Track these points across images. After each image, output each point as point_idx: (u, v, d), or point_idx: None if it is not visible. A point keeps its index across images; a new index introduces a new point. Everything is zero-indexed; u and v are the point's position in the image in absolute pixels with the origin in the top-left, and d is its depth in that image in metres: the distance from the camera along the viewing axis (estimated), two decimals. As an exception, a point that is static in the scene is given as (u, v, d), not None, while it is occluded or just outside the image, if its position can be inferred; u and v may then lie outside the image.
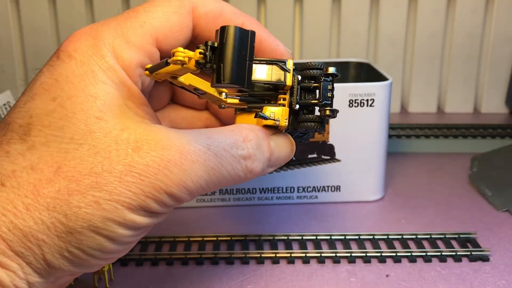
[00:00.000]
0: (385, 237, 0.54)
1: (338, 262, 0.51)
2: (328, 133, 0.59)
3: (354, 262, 0.51)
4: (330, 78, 0.39)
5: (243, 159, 0.37)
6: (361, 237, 0.54)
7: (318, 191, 0.61)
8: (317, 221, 0.59)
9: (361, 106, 0.58)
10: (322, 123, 0.39)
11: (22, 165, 0.33)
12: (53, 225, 0.32)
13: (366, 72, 0.69)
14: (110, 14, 0.90)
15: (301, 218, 0.59)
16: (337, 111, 0.39)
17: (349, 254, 0.51)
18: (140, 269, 0.50)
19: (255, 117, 0.40)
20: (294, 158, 0.60)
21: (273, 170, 0.41)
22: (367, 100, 0.58)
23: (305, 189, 0.61)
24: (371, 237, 0.54)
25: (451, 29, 0.91)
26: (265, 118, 0.39)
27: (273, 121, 0.39)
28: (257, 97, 0.41)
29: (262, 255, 0.51)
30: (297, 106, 0.39)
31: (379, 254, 0.51)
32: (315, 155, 0.60)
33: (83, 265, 0.34)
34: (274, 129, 0.40)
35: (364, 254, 0.51)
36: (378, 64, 0.91)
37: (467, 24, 0.90)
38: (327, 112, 0.38)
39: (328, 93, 0.39)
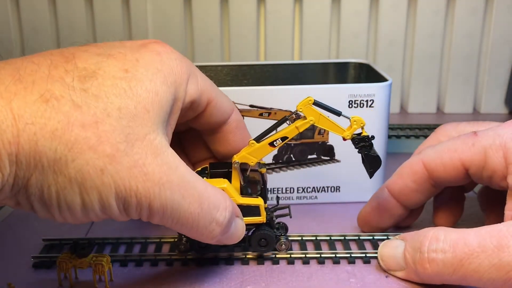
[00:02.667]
0: (385, 237, 0.54)
1: (338, 262, 0.51)
2: (327, 133, 0.59)
3: (354, 262, 0.51)
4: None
5: (215, 223, 0.41)
6: (360, 237, 0.54)
7: (318, 191, 0.62)
8: (317, 221, 0.59)
9: (360, 106, 0.58)
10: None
11: (70, 97, 0.35)
12: (60, 160, 0.34)
13: (366, 73, 0.69)
14: (110, 14, 0.90)
15: (300, 219, 0.59)
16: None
17: (348, 255, 0.51)
18: (140, 269, 0.50)
19: None
20: (294, 158, 0.60)
21: (216, 244, 0.45)
22: (367, 100, 0.58)
23: (305, 190, 0.61)
24: (371, 237, 0.54)
25: (450, 30, 0.91)
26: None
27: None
28: None
29: (262, 255, 0.51)
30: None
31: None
32: (314, 156, 0.60)
33: (45, 206, 0.36)
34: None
35: (363, 255, 0.51)
36: (377, 65, 0.92)
37: (466, 25, 0.90)
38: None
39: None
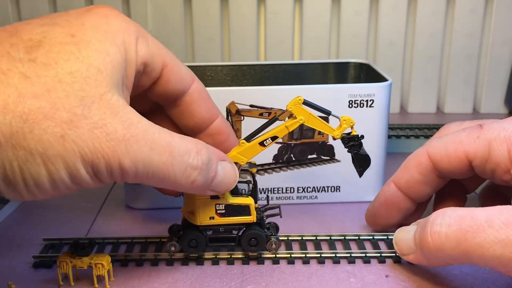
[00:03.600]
0: (385, 237, 0.54)
1: (338, 262, 0.51)
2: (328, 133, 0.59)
3: (354, 262, 0.51)
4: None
5: (190, 168, 0.40)
6: (360, 237, 0.54)
7: (318, 191, 0.62)
8: (317, 221, 0.59)
9: (360, 106, 0.58)
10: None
11: (18, 70, 0.34)
12: (16, 133, 0.34)
13: (366, 73, 0.69)
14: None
15: (300, 219, 0.59)
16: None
17: (348, 255, 0.51)
18: (140, 269, 0.50)
19: None
20: (294, 158, 0.60)
21: (212, 193, 0.45)
22: (367, 100, 0.58)
23: (305, 189, 0.61)
24: (371, 237, 0.54)
25: (450, 30, 0.91)
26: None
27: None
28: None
29: (262, 255, 0.51)
30: None
31: (378, 255, 0.51)
32: (315, 156, 0.60)
33: (10, 185, 0.35)
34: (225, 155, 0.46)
35: (363, 255, 0.51)
36: (377, 65, 0.92)
37: (466, 25, 0.90)
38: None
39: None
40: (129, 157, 0.37)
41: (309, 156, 0.60)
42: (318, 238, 0.54)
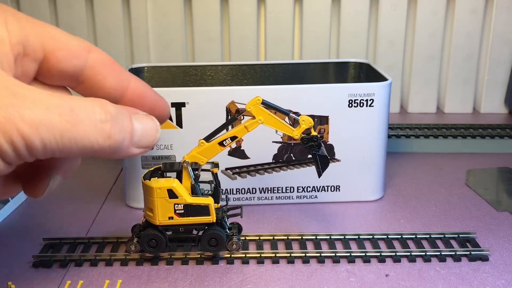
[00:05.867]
0: (385, 237, 0.54)
1: (338, 262, 0.51)
2: (327, 133, 0.59)
3: (353, 261, 0.51)
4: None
5: (100, 122, 0.37)
6: (360, 237, 0.54)
7: (318, 191, 0.62)
8: (317, 221, 0.59)
9: (360, 106, 0.58)
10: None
11: None
12: None
13: (366, 72, 0.69)
14: (110, 14, 0.90)
15: (300, 218, 0.59)
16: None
17: (348, 254, 0.51)
18: (140, 269, 0.50)
19: None
20: (293, 158, 0.60)
21: (140, 151, 0.41)
22: (367, 100, 0.58)
23: (305, 189, 0.61)
24: (371, 237, 0.54)
25: (450, 30, 0.91)
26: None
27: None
28: None
29: (262, 255, 0.51)
30: None
31: (378, 254, 0.51)
32: (314, 155, 0.60)
33: None
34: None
35: (363, 254, 0.51)
36: (377, 64, 0.92)
37: (466, 25, 0.90)
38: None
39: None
40: (26, 122, 0.33)
41: (309, 156, 0.60)
42: (318, 237, 0.54)
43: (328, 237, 0.54)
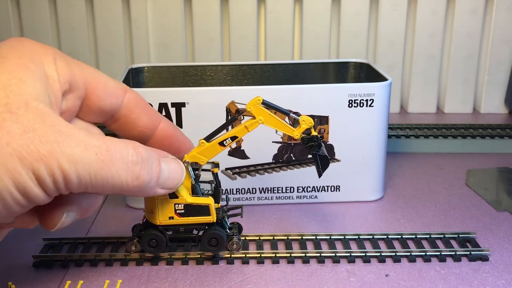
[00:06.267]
0: (385, 237, 0.54)
1: (338, 262, 0.51)
2: (327, 133, 0.59)
3: (353, 262, 0.51)
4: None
5: (131, 164, 0.40)
6: (360, 237, 0.54)
7: (318, 191, 0.62)
8: (317, 221, 0.59)
9: (360, 106, 0.58)
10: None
11: None
12: None
13: (366, 72, 0.69)
14: (110, 14, 0.90)
15: (300, 218, 0.59)
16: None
17: (348, 254, 0.51)
18: (140, 269, 0.50)
19: None
20: (293, 158, 0.60)
21: (164, 192, 0.44)
22: (367, 100, 0.58)
23: (305, 189, 0.61)
24: (371, 237, 0.54)
25: (450, 30, 0.91)
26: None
27: None
28: None
29: (262, 255, 0.51)
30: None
31: (378, 254, 0.51)
32: (314, 155, 0.60)
33: None
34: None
35: (363, 254, 0.51)
36: (377, 64, 0.92)
37: (466, 25, 0.90)
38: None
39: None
40: (66, 158, 0.36)
41: (309, 156, 0.60)
42: (318, 237, 0.54)
43: (328, 237, 0.54)
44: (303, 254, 0.51)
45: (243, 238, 0.54)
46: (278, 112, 0.49)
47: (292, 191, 0.61)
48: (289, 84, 0.61)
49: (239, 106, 0.57)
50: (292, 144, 0.60)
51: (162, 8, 0.90)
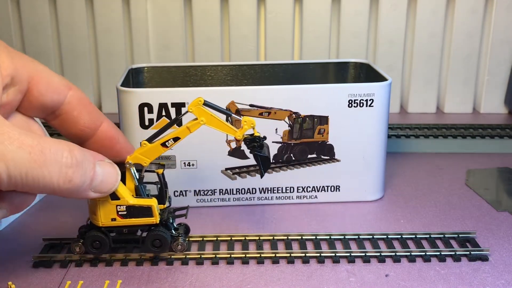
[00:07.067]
0: (385, 237, 0.54)
1: (338, 262, 0.51)
2: (327, 133, 0.59)
3: (353, 262, 0.51)
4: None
5: (64, 166, 0.40)
6: (360, 237, 0.54)
7: (318, 191, 0.62)
8: (317, 221, 0.59)
9: (360, 106, 0.58)
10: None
11: None
12: None
13: (366, 72, 0.69)
14: (110, 14, 0.90)
15: (300, 218, 0.59)
16: None
17: (348, 254, 0.51)
18: (140, 269, 0.50)
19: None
20: (293, 158, 0.60)
21: (97, 195, 0.44)
22: (367, 100, 0.58)
23: (305, 189, 0.61)
24: (371, 237, 0.54)
25: (450, 30, 0.91)
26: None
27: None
28: None
29: (262, 255, 0.51)
30: None
31: (378, 254, 0.51)
32: (314, 155, 0.60)
33: None
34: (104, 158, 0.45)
35: (363, 254, 0.51)
36: (377, 64, 0.92)
37: (466, 25, 0.90)
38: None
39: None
40: None
41: (309, 156, 0.60)
42: (318, 237, 0.54)
43: (328, 237, 0.54)
44: (303, 254, 0.51)
45: (243, 238, 0.54)
46: (220, 113, 0.49)
47: (292, 191, 0.61)
48: (289, 84, 0.61)
49: (239, 106, 0.57)
50: (292, 144, 0.60)
51: (162, 8, 0.90)
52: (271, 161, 0.60)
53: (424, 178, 0.69)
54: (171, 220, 0.51)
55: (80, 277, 0.49)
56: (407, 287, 0.47)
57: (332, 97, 0.58)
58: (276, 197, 0.61)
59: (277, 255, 0.51)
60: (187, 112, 0.48)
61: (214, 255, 0.51)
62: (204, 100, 0.48)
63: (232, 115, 0.50)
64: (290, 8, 0.90)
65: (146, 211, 0.49)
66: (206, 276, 0.49)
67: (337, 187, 0.62)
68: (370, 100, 0.58)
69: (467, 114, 0.94)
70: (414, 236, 0.54)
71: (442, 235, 0.54)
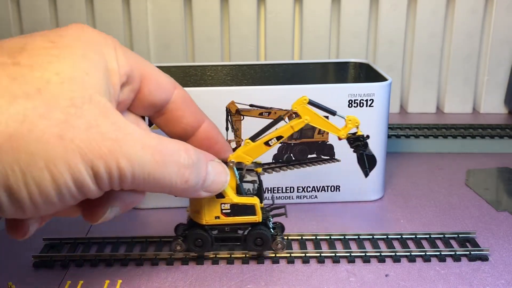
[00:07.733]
0: (385, 237, 0.54)
1: (338, 262, 0.51)
2: (327, 133, 0.59)
3: (353, 261, 0.51)
4: None
5: (182, 167, 0.40)
6: (360, 237, 0.54)
7: (318, 191, 0.62)
8: (317, 221, 0.59)
9: (360, 106, 0.58)
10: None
11: (4, 72, 0.34)
12: (15, 135, 0.32)
13: (366, 72, 0.69)
14: (110, 14, 0.90)
15: (300, 218, 0.59)
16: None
17: (348, 254, 0.51)
18: (140, 269, 0.50)
19: None
20: (293, 158, 0.60)
21: (207, 195, 0.44)
22: (367, 100, 0.58)
23: (305, 189, 0.61)
24: (371, 237, 0.54)
25: (450, 30, 0.91)
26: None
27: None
28: None
29: (262, 255, 0.51)
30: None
31: (378, 254, 0.51)
32: (314, 155, 0.60)
33: (12, 195, 0.33)
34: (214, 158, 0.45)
35: (363, 254, 0.51)
36: (377, 64, 0.92)
37: (466, 25, 0.90)
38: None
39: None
40: (125, 157, 0.36)
41: (309, 156, 0.60)
42: (318, 237, 0.54)
43: (328, 237, 0.54)
44: (303, 254, 0.51)
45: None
46: (324, 111, 0.49)
47: (292, 191, 0.61)
48: (289, 84, 0.61)
49: (239, 106, 0.57)
50: (292, 144, 0.60)
51: (162, 8, 0.90)
52: (272, 161, 0.60)
53: (424, 178, 0.69)
54: (270, 219, 0.51)
55: (80, 277, 0.49)
56: (407, 287, 0.47)
57: (332, 97, 0.58)
58: (276, 196, 0.61)
59: (277, 255, 0.51)
60: (291, 110, 0.49)
61: (214, 255, 0.51)
62: (309, 99, 0.48)
63: (337, 113, 0.50)
64: (290, 8, 0.90)
65: (250, 210, 0.49)
66: (206, 276, 0.49)
67: (337, 187, 0.62)
68: (370, 100, 0.58)
69: (467, 114, 0.94)
70: (414, 236, 0.54)
71: (442, 235, 0.54)
